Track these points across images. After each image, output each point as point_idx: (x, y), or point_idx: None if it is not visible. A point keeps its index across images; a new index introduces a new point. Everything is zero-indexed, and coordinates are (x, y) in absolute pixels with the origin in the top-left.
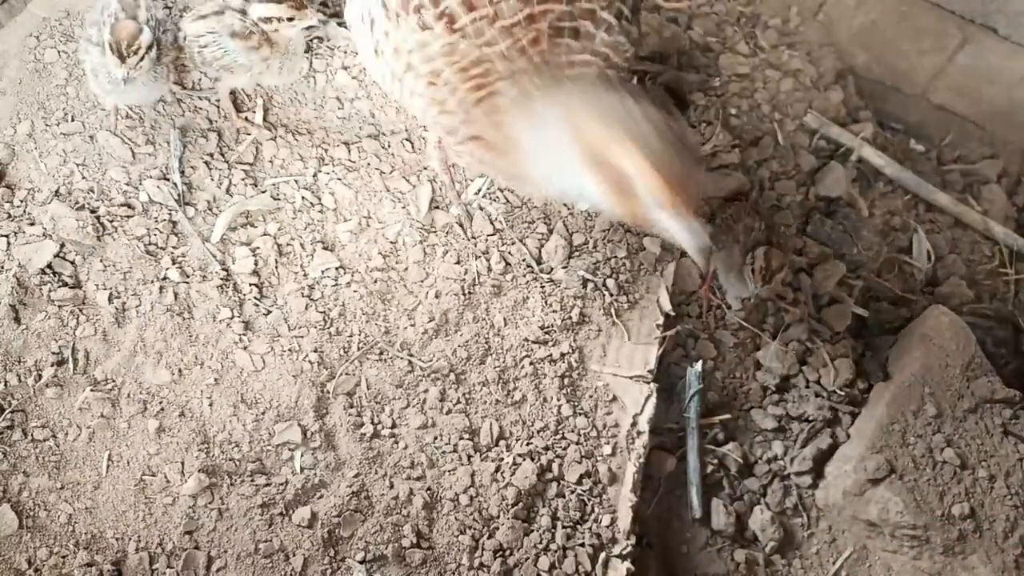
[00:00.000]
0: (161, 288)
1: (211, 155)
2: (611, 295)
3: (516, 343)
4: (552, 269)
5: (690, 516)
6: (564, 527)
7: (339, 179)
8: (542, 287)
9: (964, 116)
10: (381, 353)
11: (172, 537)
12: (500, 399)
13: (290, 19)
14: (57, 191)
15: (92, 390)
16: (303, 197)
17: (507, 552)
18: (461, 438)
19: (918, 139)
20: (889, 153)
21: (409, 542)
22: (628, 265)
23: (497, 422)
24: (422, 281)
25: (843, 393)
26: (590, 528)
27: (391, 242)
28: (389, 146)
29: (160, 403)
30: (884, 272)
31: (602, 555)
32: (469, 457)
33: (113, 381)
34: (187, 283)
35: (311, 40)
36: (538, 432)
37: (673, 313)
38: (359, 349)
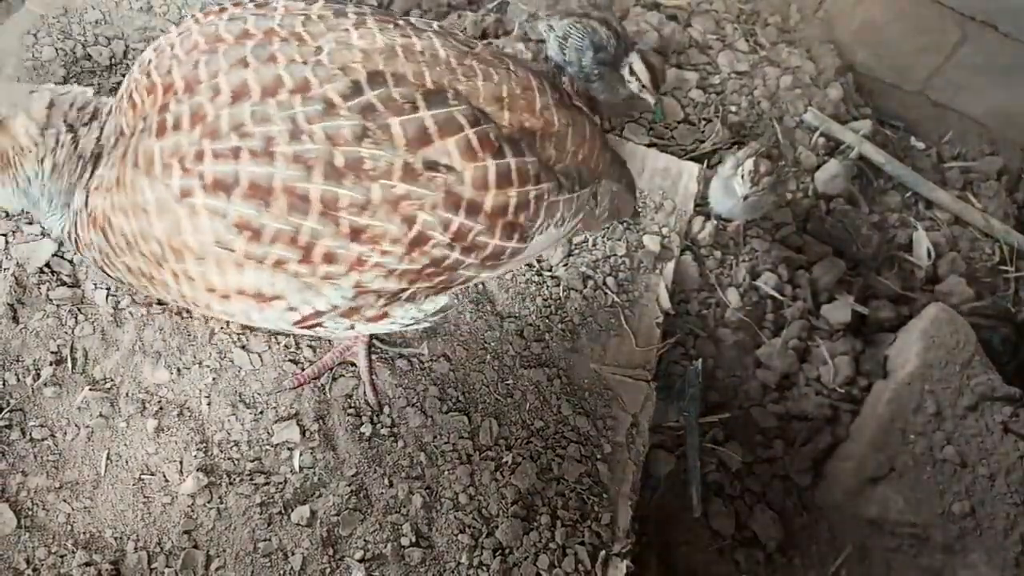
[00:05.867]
0: None
1: None
2: (611, 293)
3: (516, 342)
4: (552, 267)
5: (690, 515)
6: (564, 526)
7: None
8: (542, 284)
9: (964, 113)
10: (380, 352)
11: (171, 536)
12: (500, 398)
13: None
14: None
15: (91, 389)
16: None
17: (507, 551)
18: (460, 437)
19: (918, 136)
20: (889, 150)
21: (408, 541)
22: (627, 263)
23: (496, 421)
24: None
25: (843, 391)
26: (590, 527)
27: None
28: None
29: (159, 402)
30: (884, 269)
31: (602, 554)
32: (468, 456)
33: (112, 380)
34: None
35: None
36: (538, 431)
37: (673, 311)
38: None
